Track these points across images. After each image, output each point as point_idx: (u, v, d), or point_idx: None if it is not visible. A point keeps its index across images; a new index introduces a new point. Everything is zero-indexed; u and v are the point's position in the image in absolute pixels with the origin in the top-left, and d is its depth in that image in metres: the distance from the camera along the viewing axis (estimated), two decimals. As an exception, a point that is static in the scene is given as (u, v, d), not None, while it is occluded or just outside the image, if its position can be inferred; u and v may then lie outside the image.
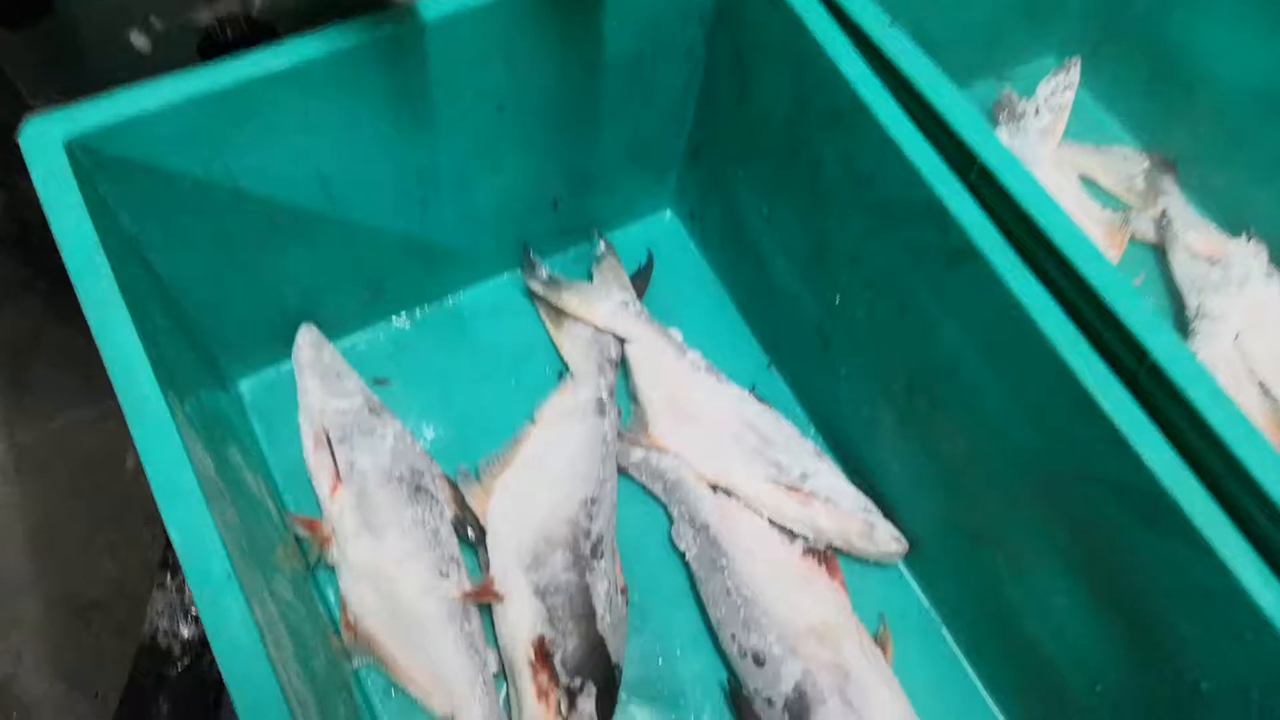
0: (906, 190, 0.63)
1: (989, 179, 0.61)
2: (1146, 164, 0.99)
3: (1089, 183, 1.00)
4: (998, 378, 0.61)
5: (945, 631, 0.76)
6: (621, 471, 0.79)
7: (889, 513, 0.77)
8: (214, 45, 0.65)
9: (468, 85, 0.70)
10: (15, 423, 0.91)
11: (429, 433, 0.80)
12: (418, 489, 0.74)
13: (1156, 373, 0.54)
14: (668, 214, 0.94)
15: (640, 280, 0.88)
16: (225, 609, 0.45)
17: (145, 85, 0.59)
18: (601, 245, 0.87)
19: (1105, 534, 0.58)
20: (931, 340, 0.66)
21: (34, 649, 0.85)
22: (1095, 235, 0.92)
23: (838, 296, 0.73)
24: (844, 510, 0.76)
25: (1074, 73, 1.00)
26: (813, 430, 0.84)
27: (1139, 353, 0.55)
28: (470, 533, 0.75)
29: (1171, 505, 0.52)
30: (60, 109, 0.57)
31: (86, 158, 0.58)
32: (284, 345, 0.80)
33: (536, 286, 0.84)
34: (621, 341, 0.83)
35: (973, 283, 0.60)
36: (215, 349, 0.78)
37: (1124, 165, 1.00)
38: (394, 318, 0.86)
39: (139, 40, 0.63)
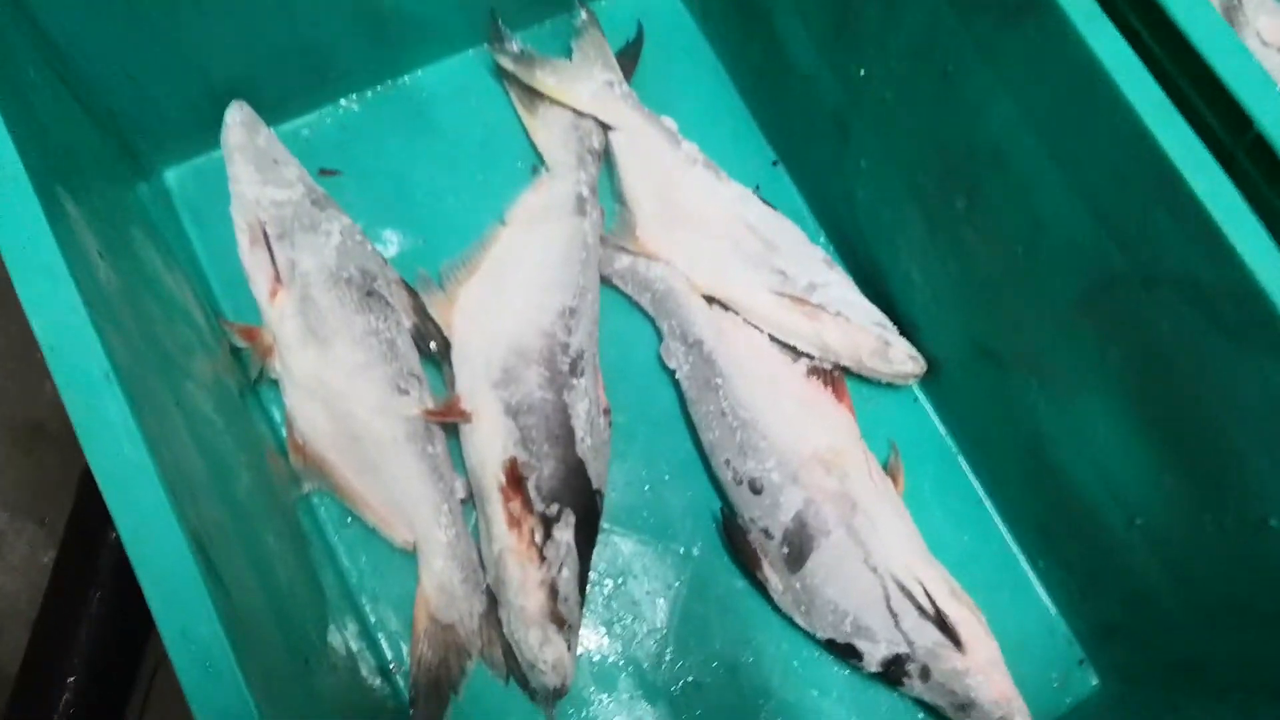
0: None
1: None
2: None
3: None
4: (1056, 163, 0.51)
5: (962, 461, 0.69)
6: (604, 280, 0.70)
7: (906, 331, 0.68)
8: None
9: None
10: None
11: (384, 234, 0.70)
12: (369, 294, 0.64)
13: (1261, 148, 0.44)
14: (661, -19, 0.80)
15: (628, 58, 0.75)
16: (103, 414, 0.36)
17: None
18: (583, 15, 0.74)
19: (1171, 350, 0.49)
20: (976, 121, 0.55)
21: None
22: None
23: (863, 70, 0.62)
24: (855, 325, 0.67)
25: None
26: (823, 237, 0.74)
27: (1241, 123, 0.44)
28: (433, 346, 0.66)
29: (1267, 311, 0.43)
30: None
31: None
32: (216, 130, 0.69)
33: (507, 63, 0.72)
34: (605, 129, 0.72)
35: (1035, 41, 0.49)
36: (131, 134, 0.66)
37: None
38: (342, 100, 0.74)
39: None
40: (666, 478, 0.67)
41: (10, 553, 0.78)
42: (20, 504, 0.79)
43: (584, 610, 0.61)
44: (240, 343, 0.64)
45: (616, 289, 0.70)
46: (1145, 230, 0.47)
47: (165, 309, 0.54)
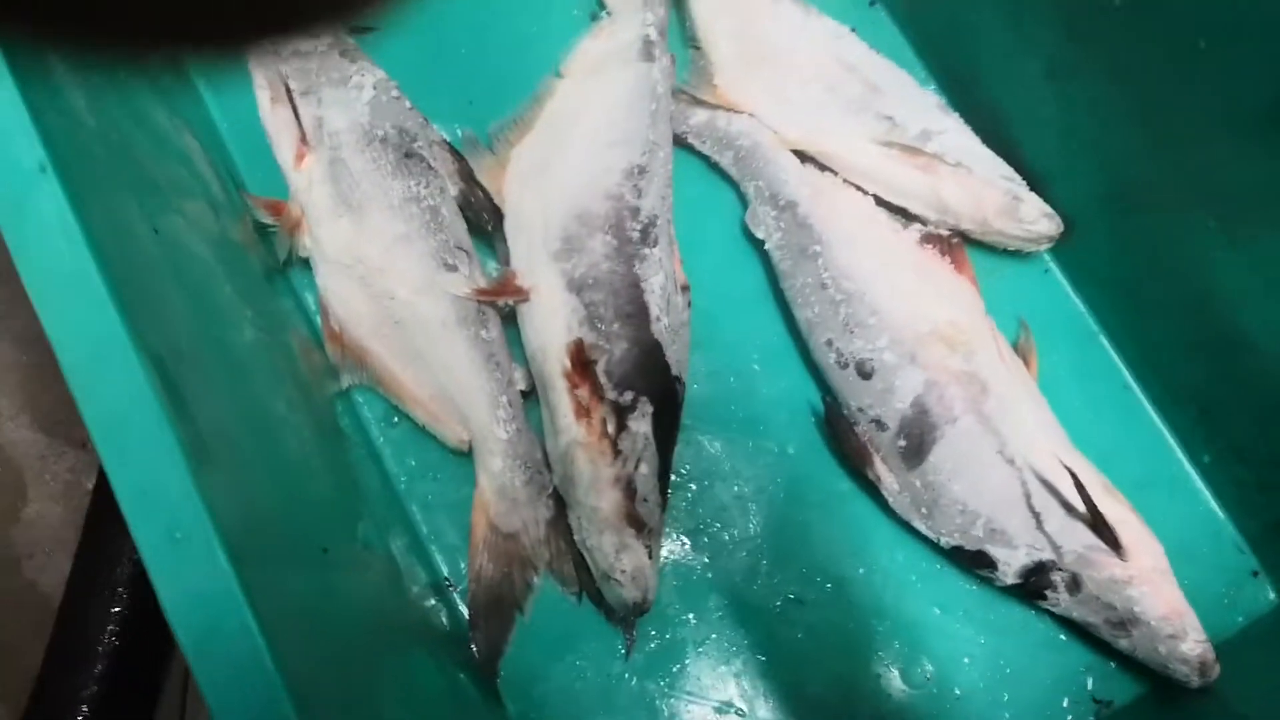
0: None
1: None
2: None
3: None
4: None
5: (1105, 340, 0.58)
6: (678, 141, 0.60)
7: (1036, 187, 0.57)
8: None
9: None
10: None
11: (425, 96, 0.60)
12: (408, 155, 0.55)
13: None
14: None
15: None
16: (36, 209, 0.28)
17: None
18: None
19: None
20: None
21: (11, 398, 0.72)
22: None
23: None
24: (979, 178, 0.56)
25: None
26: (933, 86, 0.63)
27: None
28: (483, 217, 0.57)
29: None
30: None
31: None
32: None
33: (558, -109, 0.62)
34: (676, -36, 0.61)
35: None
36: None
37: None
38: (372, -54, 0.64)
39: None
40: (756, 366, 0.57)
41: (52, 479, 0.72)
42: (60, 427, 0.73)
43: (666, 515, 0.53)
44: (265, 218, 0.56)
45: (692, 149, 0.60)
46: None
47: (158, 146, 0.45)
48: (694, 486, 0.56)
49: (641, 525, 0.50)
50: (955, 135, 0.57)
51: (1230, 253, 0.49)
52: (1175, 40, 0.46)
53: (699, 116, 0.60)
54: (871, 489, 0.54)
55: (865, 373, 0.53)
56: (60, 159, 0.30)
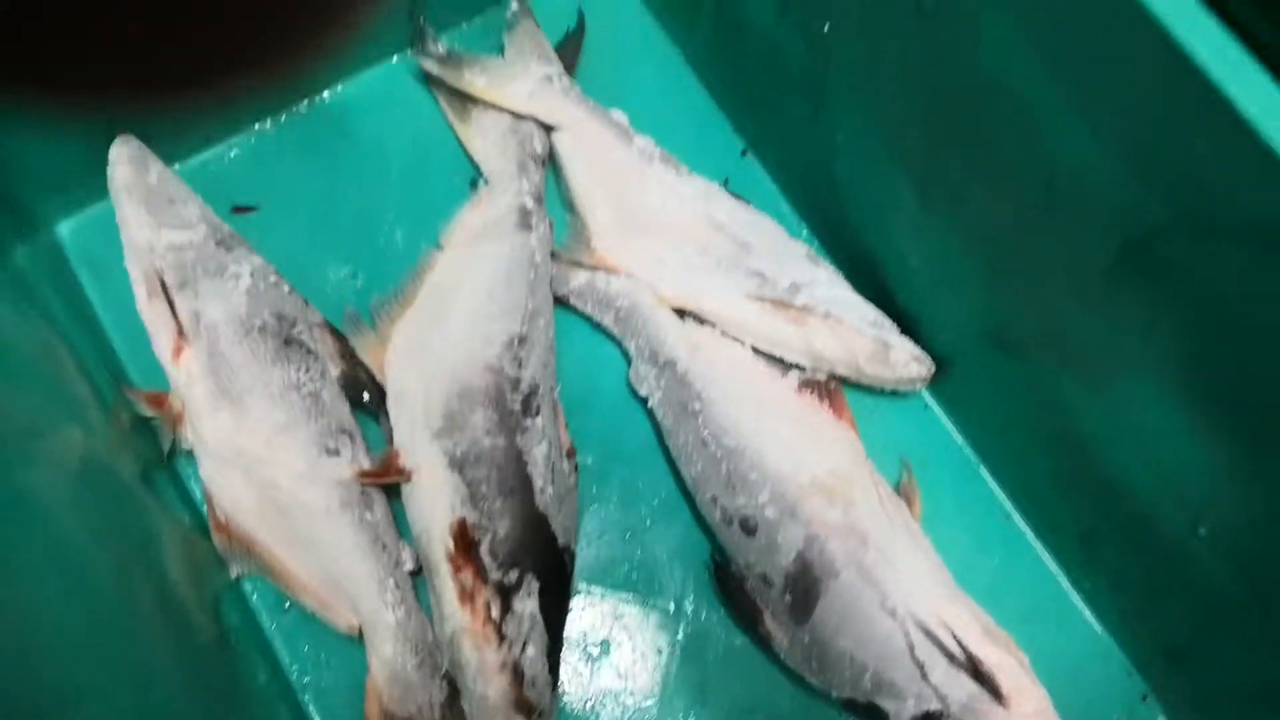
0: None
1: None
2: None
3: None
4: (1066, 93, 0.42)
5: (985, 473, 0.60)
6: (559, 301, 0.61)
7: (907, 327, 0.60)
8: None
9: None
10: None
11: (309, 272, 0.62)
12: (288, 342, 0.56)
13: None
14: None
15: (568, 49, 0.67)
16: None
17: None
18: (514, 6, 0.66)
19: (1235, 314, 0.40)
20: (965, 56, 0.46)
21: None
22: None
23: (827, 24, 0.53)
24: (849, 327, 0.58)
25: None
26: (805, 230, 0.65)
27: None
28: (365, 396, 0.58)
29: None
30: None
31: None
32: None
33: (431, 67, 0.64)
34: (548, 131, 0.63)
35: None
36: (18, 187, 0.58)
37: None
38: (254, 125, 0.66)
39: None
40: (648, 522, 0.58)
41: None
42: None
43: (558, 691, 0.53)
44: (147, 411, 0.56)
45: (574, 309, 0.62)
46: (1189, 168, 0.38)
47: (19, 393, 0.45)
48: (589, 652, 0.56)
49: (531, 710, 0.49)
50: (825, 285, 0.59)
51: (1085, 398, 0.51)
52: (1010, 203, 0.48)
53: (579, 278, 0.61)
54: (765, 644, 0.54)
55: (749, 529, 0.54)
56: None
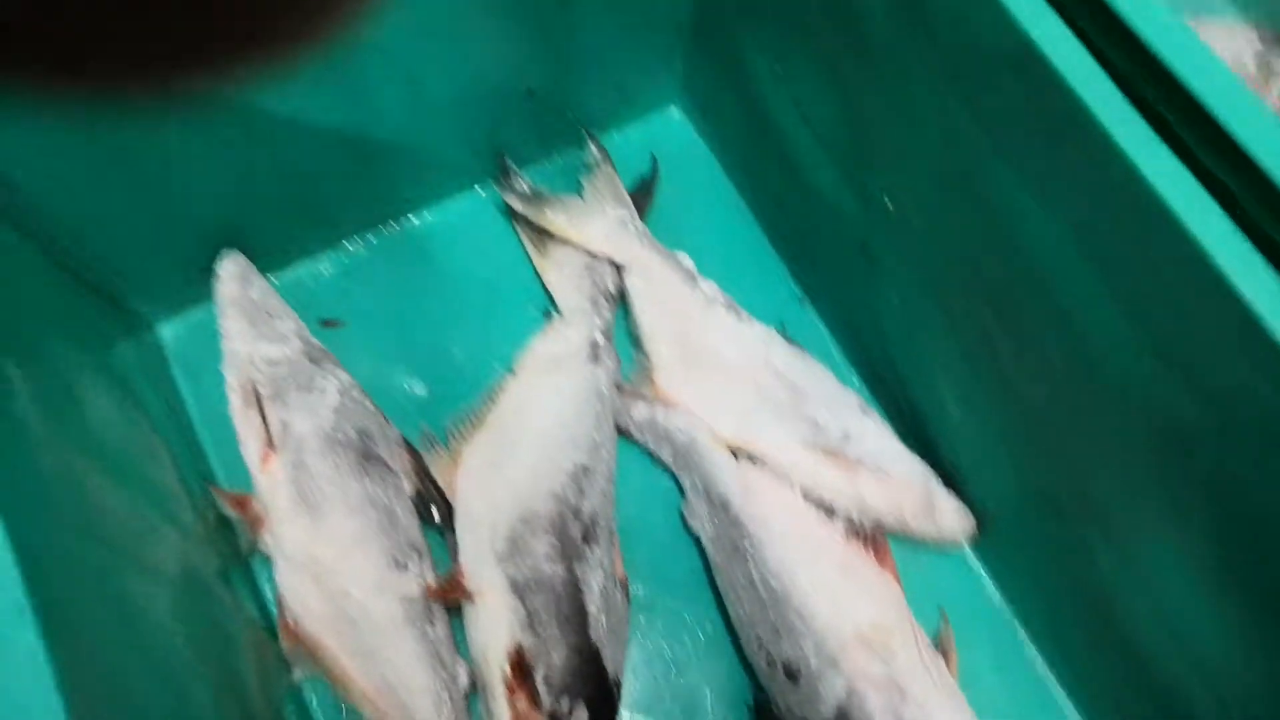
0: (987, 37, 0.45)
1: (1103, 12, 0.44)
2: (1257, 43, 0.81)
3: None
4: (1109, 293, 0.45)
5: (1022, 631, 0.62)
6: (621, 433, 0.64)
7: (952, 481, 0.62)
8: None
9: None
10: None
11: (388, 387, 0.65)
12: (368, 457, 0.59)
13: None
14: (674, 110, 0.77)
15: (642, 194, 0.72)
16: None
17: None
18: (593, 150, 0.71)
19: (1257, 502, 0.43)
20: (1016, 246, 0.49)
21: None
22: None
23: (887, 197, 0.57)
24: (896, 480, 0.61)
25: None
26: (856, 379, 0.68)
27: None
28: (435, 513, 0.61)
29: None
30: None
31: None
32: (212, 282, 0.65)
33: (515, 202, 0.69)
34: (620, 270, 0.68)
35: (1081, 161, 0.43)
36: (116, 287, 0.63)
37: (1230, 43, 0.82)
38: (345, 243, 0.70)
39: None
40: (692, 657, 0.60)
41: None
42: None
43: (601, 819, 0.55)
44: (231, 512, 0.59)
45: (635, 441, 0.65)
46: (1215, 369, 0.41)
47: (138, 479, 0.49)
48: (631, 780, 0.58)
49: (575, 837, 0.51)
50: (875, 437, 0.62)
51: (1117, 562, 0.53)
52: (1050, 383, 0.52)
53: (640, 411, 0.65)
54: (802, 787, 0.56)
55: (792, 674, 0.56)
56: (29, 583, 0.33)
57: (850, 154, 0.60)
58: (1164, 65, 0.41)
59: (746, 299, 0.68)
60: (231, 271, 0.63)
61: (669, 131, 0.76)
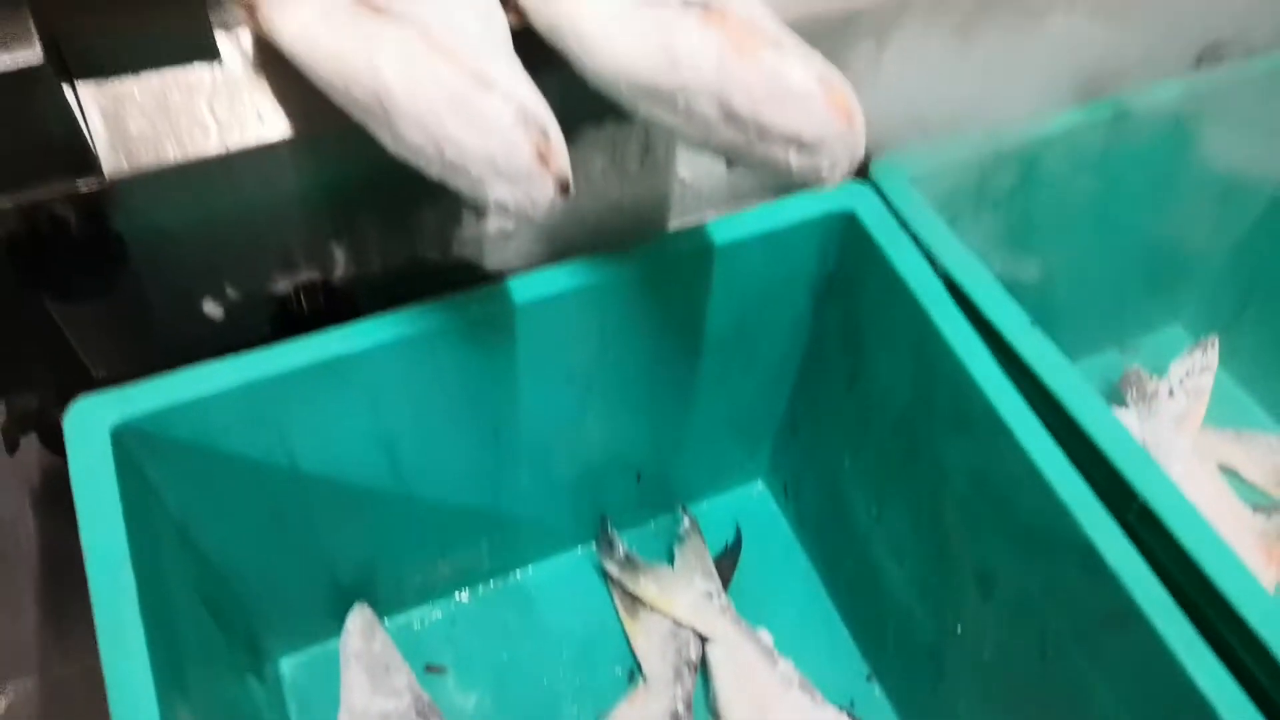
0: (1051, 524, 0.54)
1: (1152, 522, 0.52)
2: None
3: (1230, 473, 0.89)
4: None
5: None
6: (696, 806, 0.68)
7: None
8: (289, 316, 0.60)
9: (554, 364, 0.64)
10: (53, 655, 0.85)
11: (484, 733, 0.71)
12: (459, 816, 0.63)
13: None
14: (759, 485, 0.86)
15: (727, 563, 0.79)
16: None
17: (207, 367, 0.54)
18: (686, 522, 0.79)
19: None
20: (1080, 702, 0.55)
21: None
22: (1246, 545, 0.80)
23: (959, 625, 0.63)
24: None
25: (1212, 354, 0.92)
26: (919, 763, 0.72)
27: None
28: None
29: None
30: (112, 391, 0.52)
31: (135, 442, 0.53)
32: (333, 621, 0.72)
33: (613, 569, 0.76)
34: (703, 640, 0.73)
35: (1134, 649, 0.50)
36: (257, 626, 0.70)
37: (1271, 456, 0.89)
38: (456, 593, 0.78)
39: (212, 309, 0.59)
40: None
41: None
42: None
43: None
44: None
45: (710, 815, 0.68)
46: None
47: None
48: None
49: None
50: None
51: None
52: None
53: (715, 785, 0.68)
54: None
55: None
56: None
57: (925, 573, 0.67)
58: (1209, 582, 0.48)
59: (818, 670, 0.72)
60: (359, 625, 0.70)
61: (754, 505, 0.84)
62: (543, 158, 0.39)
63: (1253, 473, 0.89)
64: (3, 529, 0.91)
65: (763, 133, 0.42)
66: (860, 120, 0.42)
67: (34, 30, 0.45)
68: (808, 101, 0.41)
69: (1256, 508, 0.85)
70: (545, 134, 0.39)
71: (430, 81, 0.39)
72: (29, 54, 0.45)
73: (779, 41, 0.42)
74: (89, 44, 0.49)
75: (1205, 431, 0.90)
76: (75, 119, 0.48)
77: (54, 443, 0.75)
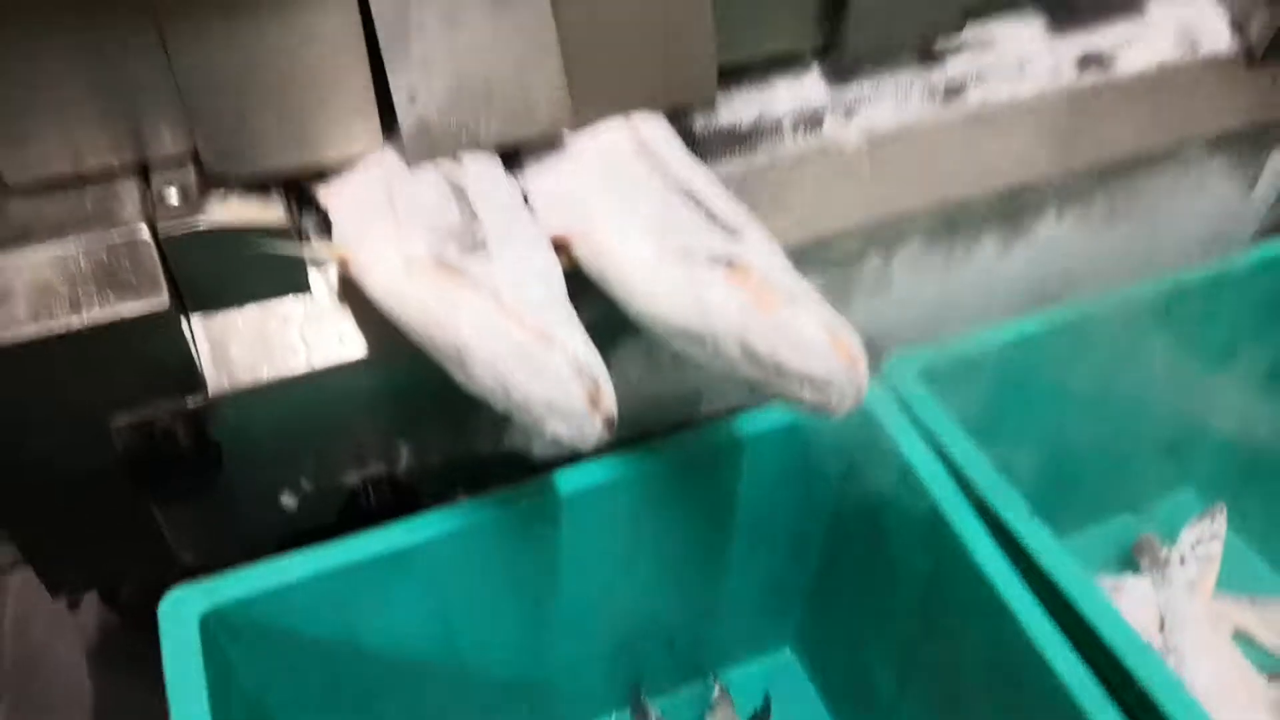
0: (1055, 707, 0.58)
1: (1150, 708, 0.56)
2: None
3: (1244, 640, 0.92)
4: None
5: None
6: None
7: None
8: (355, 508, 0.67)
9: (594, 547, 0.70)
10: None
11: None
12: None
13: None
14: (787, 651, 0.89)
15: (756, 733, 0.82)
16: None
17: (286, 559, 0.60)
18: (716, 690, 0.83)
19: None
20: None
21: None
22: (1259, 717, 0.83)
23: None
24: None
25: (1219, 521, 0.95)
26: None
27: None
28: None
29: None
30: (201, 583, 0.59)
31: (220, 628, 0.59)
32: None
33: (646, 736, 0.80)
34: (734, 807, 0.76)
35: None
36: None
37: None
38: (493, 742, 0.82)
39: (288, 500, 0.66)
40: None
41: None
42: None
43: None
44: None
45: None
46: None
47: None
48: None
49: None
50: None
51: None
52: None
53: None
54: None
55: None
56: None
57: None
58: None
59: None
60: (407, 789, 0.74)
61: (782, 671, 0.88)
62: (594, 402, 0.46)
63: (1267, 637, 0.91)
64: (57, 676, 0.96)
65: (780, 371, 0.49)
66: (863, 363, 0.49)
67: (163, 278, 0.54)
68: (818, 348, 0.48)
69: (1271, 676, 0.87)
70: (596, 383, 0.46)
71: (501, 339, 0.46)
72: (159, 300, 0.53)
73: (793, 296, 0.50)
74: (205, 285, 0.57)
75: (1218, 597, 0.93)
76: (190, 349, 0.56)
77: (112, 599, 0.83)
